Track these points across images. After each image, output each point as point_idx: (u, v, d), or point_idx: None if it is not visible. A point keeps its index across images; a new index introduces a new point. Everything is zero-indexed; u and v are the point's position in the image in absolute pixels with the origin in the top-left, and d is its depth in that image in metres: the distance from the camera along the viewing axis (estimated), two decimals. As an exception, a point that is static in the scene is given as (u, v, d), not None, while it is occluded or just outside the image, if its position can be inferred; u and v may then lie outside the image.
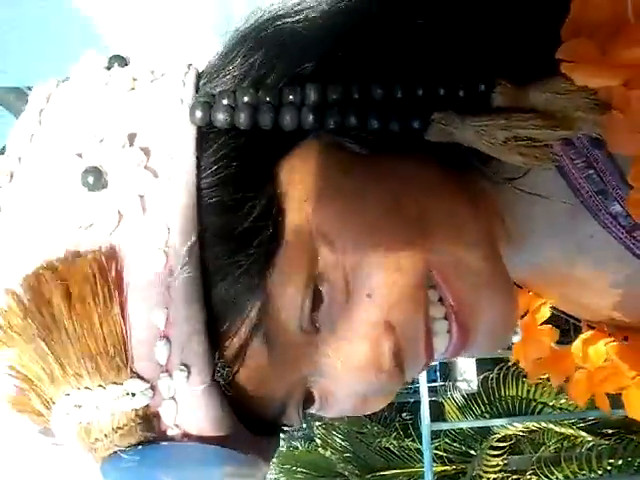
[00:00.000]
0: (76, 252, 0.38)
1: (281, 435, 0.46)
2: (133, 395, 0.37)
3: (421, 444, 3.07)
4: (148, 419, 0.38)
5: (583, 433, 3.39)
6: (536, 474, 3.41)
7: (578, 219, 0.44)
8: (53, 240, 0.39)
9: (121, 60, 0.44)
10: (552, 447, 3.47)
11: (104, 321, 0.37)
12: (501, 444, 3.47)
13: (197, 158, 0.40)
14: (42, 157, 0.41)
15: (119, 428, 0.37)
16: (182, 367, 0.37)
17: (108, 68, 0.43)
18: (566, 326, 0.58)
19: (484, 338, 0.44)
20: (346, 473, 3.91)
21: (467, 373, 4.19)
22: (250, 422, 0.41)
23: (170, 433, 0.38)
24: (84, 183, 0.38)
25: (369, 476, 3.79)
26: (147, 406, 0.37)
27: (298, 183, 0.41)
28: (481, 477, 3.51)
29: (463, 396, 3.79)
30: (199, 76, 0.43)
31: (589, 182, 0.42)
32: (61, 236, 0.39)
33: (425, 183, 0.44)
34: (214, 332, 0.39)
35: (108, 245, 0.38)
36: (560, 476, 3.32)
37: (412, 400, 3.72)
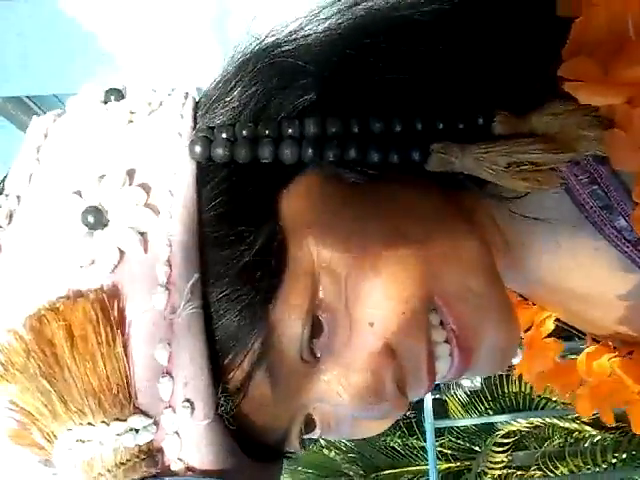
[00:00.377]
0: (78, 291, 0.38)
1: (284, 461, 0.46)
2: (137, 431, 0.37)
3: (425, 442, 3.07)
4: (152, 454, 0.38)
5: (587, 427, 3.40)
6: (541, 469, 3.41)
7: (582, 234, 0.44)
8: (55, 280, 0.39)
9: (118, 93, 0.43)
10: (556, 442, 3.48)
11: (107, 360, 0.37)
12: (505, 440, 3.48)
13: (197, 193, 0.40)
14: (41, 197, 0.41)
15: (122, 464, 0.37)
16: (186, 403, 0.37)
17: (105, 102, 0.43)
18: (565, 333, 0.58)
19: (486, 360, 0.44)
20: (351, 473, 3.91)
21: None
22: (253, 449, 0.41)
23: (174, 468, 0.38)
24: (85, 223, 0.38)
25: (374, 475, 3.80)
26: (151, 441, 0.37)
27: (298, 214, 0.41)
28: (486, 474, 3.52)
29: (466, 393, 3.79)
30: (197, 107, 0.43)
31: (593, 197, 0.42)
32: (62, 275, 0.39)
33: (424, 208, 0.44)
34: (217, 366, 0.39)
35: (110, 283, 0.38)
36: (565, 470, 3.33)
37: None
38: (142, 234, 0.38)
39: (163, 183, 0.40)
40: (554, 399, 3.45)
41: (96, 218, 0.38)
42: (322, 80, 0.42)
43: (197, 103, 0.44)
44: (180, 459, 0.38)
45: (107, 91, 0.44)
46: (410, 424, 3.85)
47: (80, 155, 0.41)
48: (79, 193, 0.40)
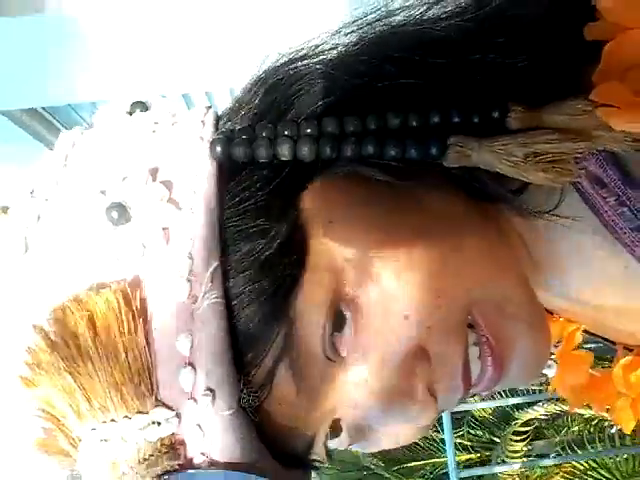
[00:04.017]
0: (101, 284, 0.37)
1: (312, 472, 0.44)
2: (159, 424, 0.36)
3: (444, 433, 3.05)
4: (174, 448, 0.36)
5: (606, 414, 3.36)
6: (560, 455, 3.39)
7: (611, 253, 0.43)
8: (79, 275, 0.38)
9: (142, 106, 0.43)
10: (576, 430, 3.45)
11: (129, 350, 0.36)
12: (524, 429, 3.46)
13: (219, 191, 0.39)
14: (67, 197, 0.40)
15: (145, 459, 0.36)
16: (207, 392, 0.36)
17: (130, 114, 0.43)
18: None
19: (518, 371, 0.42)
20: (372, 466, 3.91)
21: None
22: (279, 456, 0.39)
23: (196, 461, 0.36)
24: (109, 219, 0.38)
25: (395, 468, 3.80)
26: (173, 434, 0.36)
27: (321, 210, 0.40)
28: (505, 463, 3.51)
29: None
30: (218, 117, 0.43)
31: (623, 219, 0.41)
32: (87, 270, 0.38)
33: (452, 211, 0.42)
34: (239, 360, 0.37)
35: (132, 275, 0.37)
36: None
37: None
38: (164, 229, 0.38)
39: (185, 182, 0.39)
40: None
41: (120, 214, 0.38)
42: (341, 84, 0.41)
43: (219, 115, 0.43)
44: (202, 453, 0.36)
45: (133, 104, 0.43)
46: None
47: (105, 159, 0.41)
48: (104, 192, 0.39)
